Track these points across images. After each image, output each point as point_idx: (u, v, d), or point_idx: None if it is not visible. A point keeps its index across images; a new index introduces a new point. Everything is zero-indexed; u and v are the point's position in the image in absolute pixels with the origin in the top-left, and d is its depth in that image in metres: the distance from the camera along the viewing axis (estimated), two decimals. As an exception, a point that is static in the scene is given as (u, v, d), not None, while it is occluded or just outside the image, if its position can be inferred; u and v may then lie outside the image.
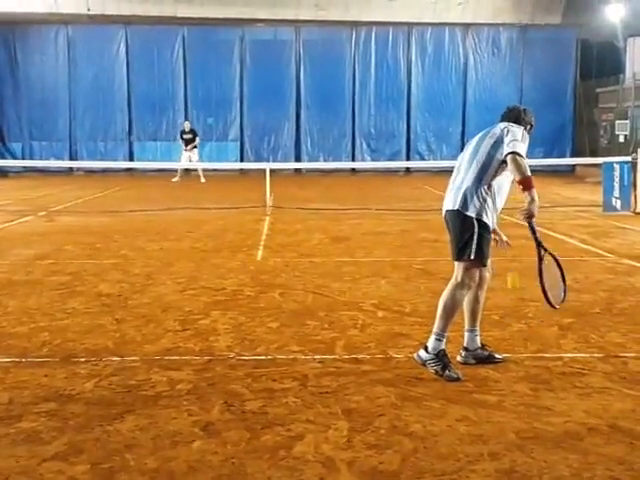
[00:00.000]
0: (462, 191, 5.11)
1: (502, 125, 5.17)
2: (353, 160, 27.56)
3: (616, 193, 14.76)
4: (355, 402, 4.62)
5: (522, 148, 4.97)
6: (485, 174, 5.08)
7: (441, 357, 5.07)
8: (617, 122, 25.87)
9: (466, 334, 5.36)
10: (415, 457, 3.88)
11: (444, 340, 5.11)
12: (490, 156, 5.07)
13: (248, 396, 4.73)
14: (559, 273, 5.25)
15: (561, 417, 4.38)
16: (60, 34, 27.18)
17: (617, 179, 14.72)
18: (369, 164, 26.80)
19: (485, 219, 5.09)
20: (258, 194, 16.15)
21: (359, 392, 4.79)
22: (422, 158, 27.26)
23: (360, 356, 5.55)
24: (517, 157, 4.92)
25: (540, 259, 5.17)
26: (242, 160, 27.41)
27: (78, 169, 26.85)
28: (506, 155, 4.95)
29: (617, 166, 14.89)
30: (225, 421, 4.35)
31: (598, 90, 28.44)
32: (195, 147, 23.57)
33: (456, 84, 27.90)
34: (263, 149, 27.84)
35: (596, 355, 5.59)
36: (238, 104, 27.84)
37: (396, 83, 28.03)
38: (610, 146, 25.90)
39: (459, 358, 5.32)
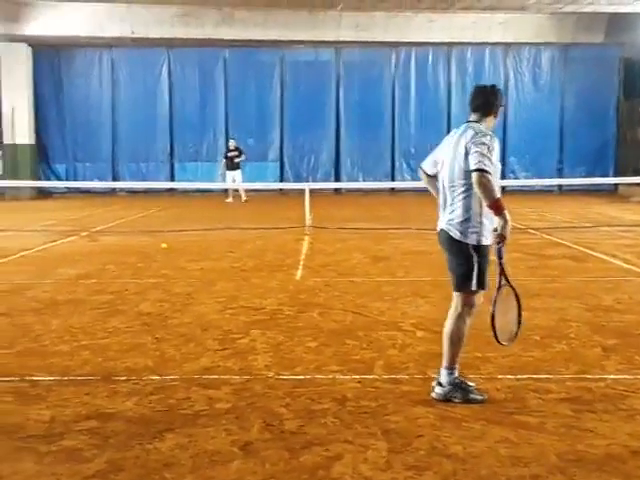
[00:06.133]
0: (455, 220, 4.98)
1: (469, 134, 4.90)
2: (393, 180, 27.51)
3: (660, 212, 14.53)
4: (394, 422, 4.59)
5: (488, 163, 4.76)
6: (471, 200, 4.91)
7: (458, 385, 4.99)
8: (661, 141, 25.54)
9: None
10: (455, 479, 3.84)
11: (456, 372, 5.02)
12: (467, 178, 4.87)
13: (287, 416, 4.72)
14: (516, 308, 4.95)
15: (604, 440, 4.31)
16: (104, 57, 27.63)
17: (661, 198, 14.49)
18: (409, 184, 26.67)
19: (484, 242, 4.93)
20: (297, 214, 16.20)
21: (398, 412, 4.76)
22: (462, 178, 27.10)
23: (399, 376, 5.53)
24: (482, 177, 4.72)
25: (498, 287, 4.92)
26: (282, 180, 27.52)
27: (121, 190, 27.18)
28: (471, 171, 4.80)
29: (661, 185, 14.67)
30: (264, 441, 4.35)
31: (642, 108, 28.12)
32: (239, 167, 23.69)
33: (497, 104, 27.74)
34: (303, 169, 27.93)
35: (640, 377, 5.50)
36: (278, 125, 27.99)
37: (436, 103, 27.97)
38: (654, 165, 25.56)
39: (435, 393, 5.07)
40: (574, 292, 8.71)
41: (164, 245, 12.75)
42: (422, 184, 5.67)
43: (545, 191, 26.39)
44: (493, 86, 5.23)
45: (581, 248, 12.35)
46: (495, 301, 4.87)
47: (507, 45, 27.35)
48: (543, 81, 28.06)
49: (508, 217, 4.74)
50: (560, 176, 27.00)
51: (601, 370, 5.67)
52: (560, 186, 26.84)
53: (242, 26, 24.84)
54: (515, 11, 23.82)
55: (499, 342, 4.95)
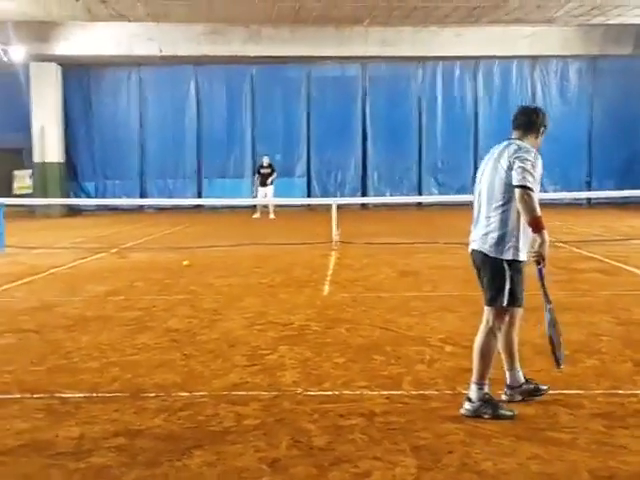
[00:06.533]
0: (490, 234, 4.95)
1: (512, 149, 4.92)
2: (420, 194, 27.46)
3: (692, 225, 14.34)
4: (423, 439, 4.56)
5: (532, 179, 4.76)
6: (509, 214, 4.89)
7: (487, 400, 4.95)
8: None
9: (507, 373, 5.24)
10: (485, 496, 3.80)
11: (486, 387, 4.99)
12: (507, 192, 4.86)
13: (315, 432, 4.70)
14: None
15: (637, 456, 4.24)
16: (132, 75, 27.93)
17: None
18: (436, 198, 26.63)
19: (520, 258, 4.91)
20: (325, 229, 16.19)
21: (427, 428, 4.72)
22: (490, 191, 26.93)
23: (428, 392, 5.49)
24: (525, 194, 4.72)
25: (549, 310, 4.96)
26: (309, 196, 27.56)
27: (149, 207, 27.38)
28: (514, 187, 4.79)
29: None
30: (292, 457, 4.33)
31: (671, 120, 27.80)
32: (271, 184, 23.97)
33: (524, 117, 27.65)
34: (330, 184, 27.97)
35: (673, 392, 5.41)
36: (305, 140, 28.08)
37: (463, 117, 27.93)
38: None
39: (504, 397, 5.19)
40: (605, 306, 8.61)
41: (186, 262, 12.75)
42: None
43: (574, 204, 26.17)
44: (536, 107, 5.29)
45: (612, 262, 12.22)
46: (549, 324, 4.91)
47: (534, 58, 27.26)
48: (571, 94, 27.92)
49: (546, 237, 4.73)
50: (589, 189, 26.80)
51: (633, 385, 5.59)
52: (589, 199, 26.61)
53: (269, 43, 25.01)
54: (542, 24, 23.75)
55: (559, 365, 5.01)
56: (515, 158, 4.84)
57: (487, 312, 5.04)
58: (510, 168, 4.84)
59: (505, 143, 5.07)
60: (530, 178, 4.76)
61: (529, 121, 5.12)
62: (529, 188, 4.73)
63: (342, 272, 11.77)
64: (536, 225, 4.72)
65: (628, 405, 5.12)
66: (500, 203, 4.91)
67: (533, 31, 24.87)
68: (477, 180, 5.22)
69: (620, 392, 5.42)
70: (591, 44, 25.83)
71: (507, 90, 27.75)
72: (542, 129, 5.15)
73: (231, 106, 28.09)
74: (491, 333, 5.00)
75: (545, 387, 5.27)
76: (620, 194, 22.43)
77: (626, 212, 23.10)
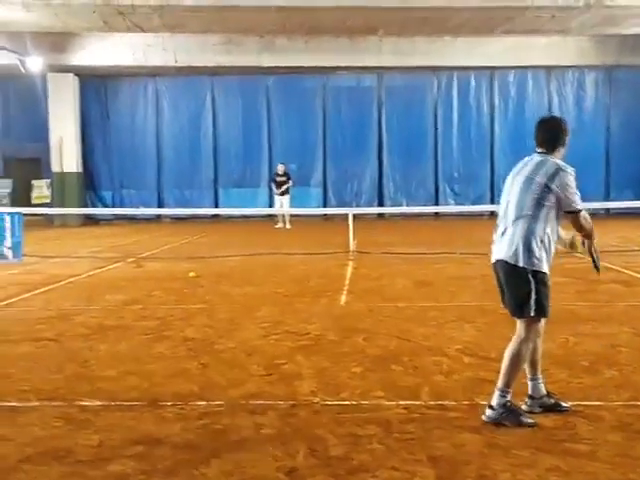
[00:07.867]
0: (515, 243, 4.96)
1: (551, 168, 4.95)
2: (436, 204, 27.39)
3: None
4: (441, 449, 4.54)
5: (579, 199, 4.99)
6: (537, 224, 4.92)
7: (509, 408, 4.95)
8: None
9: (529, 383, 5.23)
10: (504, 507, 3.78)
11: (509, 396, 4.98)
12: (537, 207, 4.92)
13: (332, 441, 4.70)
14: None
15: (658, 468, 4.22)
16: (149, 86, 28.09)
17: None
18: (453, 208, 26.57)
19: (543, 270, 4.96)
20: (341, 239, 16.19)
21: (445, 439, 4.71)
22: (507, 201, 26.83)
23: (445, 402, 5.47)
24: (583, 217, 5.00)
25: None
26: (325, 205, 27.58)
27: (166, 216, 27.47)
28: (572, 212, 4.95)
29: None
30: (310, 467, 4.32)
31: (690, 129, 27.63)
32: (287, 192, 24.04)
33: (541, 127, 27.56)
34: (346, 194, 27.95)
35: (693, 404, 5.37)
36: (321, 150, 28.11)
37: (479, 127, 27.89)
38: None
39: (524, 406, 5.16)
40: (624, 317, 8.56)
41: (192, 274, 12.68)
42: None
43: (592, 214, 25.92)
44: (559, 119, 5.34)
45: (631, 272, 12.14)
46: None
47: (550, 68, 27.19)
48: (587, 104, 27.82)
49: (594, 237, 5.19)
50: (607, 199, 26.65)
51: (653, 397, 5.56)
52: (608, 209, 26.47)
53: (283, 53, 25.05)
54: (557, 34, 23.66)
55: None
56: (558, 183, 4.90)
57: (519, 324, 5.05)
58: (547, 187, 4.89)
59: (538, 159, 5.07)
60: (579, 200, 4.97)
61: (555, 136, 5.15)
62: (582, 210, 5.00)
63: (359, 282, 11.76)
64: (591, 237, 5.20)
65: (648, 416, 5.09)
66: (528, 214, 4.94)
67: (548, 41, 24.80)
68: (505, 192, 5.21)
69: (640, 403, 5.39)
70: (607, 54, 25.71)
71: (523, 100, 27.70)
72: (567, 139, 5.19)
73: (247, 116, 28.15)
74: (524, 342, 5.00)
75: (567, 405, 5.22)
76: (638, 204, 22.25)
77: (644, 223, 22.94)
